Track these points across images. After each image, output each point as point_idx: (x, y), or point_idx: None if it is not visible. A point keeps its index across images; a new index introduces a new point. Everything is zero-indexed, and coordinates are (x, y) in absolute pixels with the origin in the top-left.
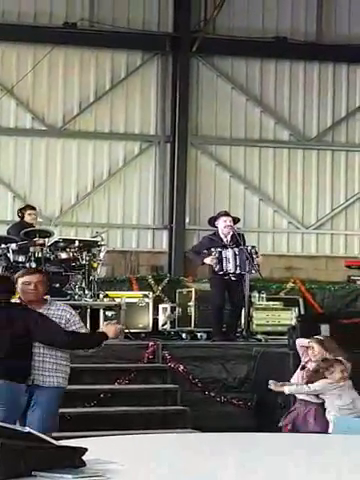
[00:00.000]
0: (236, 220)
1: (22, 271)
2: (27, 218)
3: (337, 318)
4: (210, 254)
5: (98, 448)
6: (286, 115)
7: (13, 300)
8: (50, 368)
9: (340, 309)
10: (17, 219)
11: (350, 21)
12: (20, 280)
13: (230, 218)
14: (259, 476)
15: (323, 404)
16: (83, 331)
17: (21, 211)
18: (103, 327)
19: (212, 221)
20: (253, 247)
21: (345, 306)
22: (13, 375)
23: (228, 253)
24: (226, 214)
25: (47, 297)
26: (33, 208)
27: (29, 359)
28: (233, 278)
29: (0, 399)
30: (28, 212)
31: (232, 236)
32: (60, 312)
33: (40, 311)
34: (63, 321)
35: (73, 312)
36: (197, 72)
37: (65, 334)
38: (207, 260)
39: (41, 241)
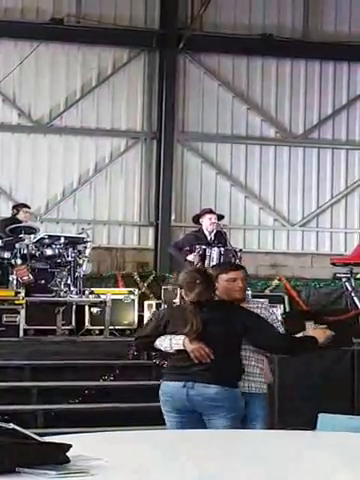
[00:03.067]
0: (220, 217)
1: (222, 267)
2: (21, 215)
3: (322, 315)
4: (193, 251)
5: (82, 444)
6: (272, 112)
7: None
8: (256, 373)
9: (325, 306)
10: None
11: (337, 18)
12: (224, 276)
13: (215, 216)
14: (243, 472)
15: None
16: (282, 331)
17: (16, 208)
18: (310, 331)
19: (196, 218)
20: (240, 250)
21: (330, 303)
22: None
23: (213, 252)
24: (211, 212)
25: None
26: (28, 207)
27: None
28: None
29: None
30: (24, 210)
31: (216, 234)
32: (259, 310)
33: None
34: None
35: (272, 310)
36: (184, 69)
37: (283, 338)
38: (190, 257)
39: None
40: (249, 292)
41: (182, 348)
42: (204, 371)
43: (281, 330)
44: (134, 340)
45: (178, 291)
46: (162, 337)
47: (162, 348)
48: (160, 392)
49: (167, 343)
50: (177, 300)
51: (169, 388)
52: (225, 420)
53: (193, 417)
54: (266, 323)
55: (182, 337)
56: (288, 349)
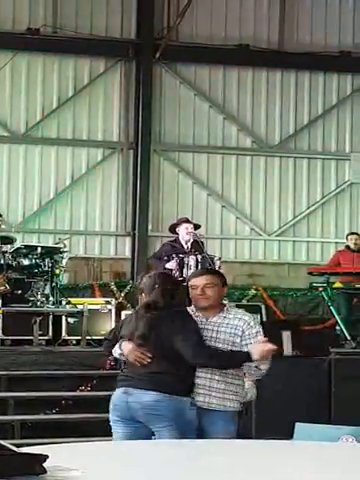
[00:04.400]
0: (197, 227)
1: (192, 273)
2: None
3: (299, 325)
4: (170, 260)
5: (59, 455)
6: (249, 122)
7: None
8: (221, 389)
9: (302, 316)
10: None
11: (312, 29)
12: (189, 283)
13: (191, 225)
14: None
15: None
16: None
17: None
18: (252, 346)
19: (173, 228)
20: (219, 259)
21: (307, 313)
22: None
23: (190, 260)
24: (187, 221)
25: (226, 303)
26: (0, 215)
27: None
28: None
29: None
30: None
31: (193, 243)
32: (237, 321)
33: (213, 319)
34: (239, 333)
35: (252, 323)
36: (160, 79)
37: (201, 349)
38: (168, 265)
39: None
40: (225, 301)
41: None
42: (143, 376)
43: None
44: (103, 344)
45: (142, 296)
46: (118, 343)
47: (117, 355)
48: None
49: (117, 349)
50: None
51: (114, 395)
52: (171, 433)
53: (141, 430)
54: (191, 332)
55: (125, 342)
56: (206, 360)
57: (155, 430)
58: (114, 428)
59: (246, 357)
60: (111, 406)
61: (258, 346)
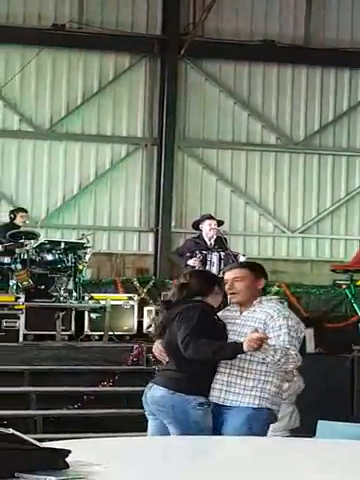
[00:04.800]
0: (220, 223)
1: (226, 267)
2: (18, 220)
3: (322, 322)
4: (193, 256)
5: (81, 450)
6: (273, 119)
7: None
8: (242, 385)
9: (325, 313)
10: (6, 220)
11: (338, 25)
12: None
13: (215, 221)
14: (244, 478)
15: None
16: (287, 346)
17: (13, 213)
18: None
19: (196, 224)
20: (244, 255)
21: (330, 310)
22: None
23: (213, 256)
24: (211, 217)
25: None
26: (25, 211)
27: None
28: None
29: None
30: (20, 214)
31: (216, 239)
32: (261, 314)
33: (244, 314)
34: (262, 326)
35: (276, 315)
36: (185, 75)
37: (188, 339)
38: (190, 261)
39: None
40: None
41: None
42: (160, 373)
43: (287, 345)
44: None
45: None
46: None
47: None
48: None
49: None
50: None
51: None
52: (175, 430)
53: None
54: (188, 325)
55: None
56: (194, 351)
57: (167, 425)
58: (149, 422)
59: (237, 348)
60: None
61: (248, 336)
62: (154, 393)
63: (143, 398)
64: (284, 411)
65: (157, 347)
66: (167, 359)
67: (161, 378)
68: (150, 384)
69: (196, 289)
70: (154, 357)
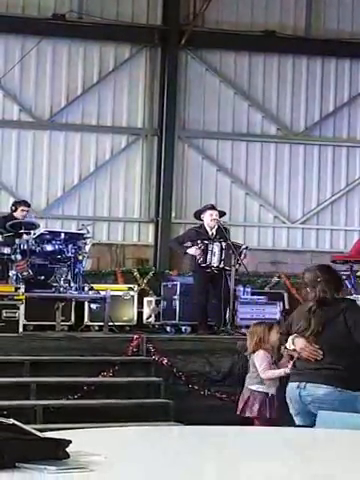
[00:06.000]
0: (222, 214)
1: None
2: (18, 213)
3: None
4: (194, 245)
5: (82, 440)
6: (274, 109)
7: None
8: None
9: None
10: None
11: (339, 16)
12: None
13: (216, 212)
14: (243, 469)
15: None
16: None
17: (15, 205)
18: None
19: (198, 214)
20: (246, 247)
21: None
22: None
23: (215, 246)
24: (212, 208)
25: None
26: (28, 205)
27: None
28: (216, 271)
29: None
30: (21, 208)
31: (217, 230)
32: None
33: None
34: None
35: None
36: (185, 65)
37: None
38: (191, 250)
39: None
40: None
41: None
42: (316, 371)
43: None
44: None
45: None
46: (290, 337)
47: (289, 347)
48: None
49: (289, 343)
50: (176, 297)
51: (288, 390)
52: None
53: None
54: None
55: (296, 337)
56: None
57: None
58: (297, 421)
59: None
60: (287, 400)
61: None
62: (314, 391)
63: (292, 397)
64: None
65: (306, 345)
66: (320, 356)
67: (319, 376)
68: (300, 383)
69: (336, 284)
70: (297, 356)
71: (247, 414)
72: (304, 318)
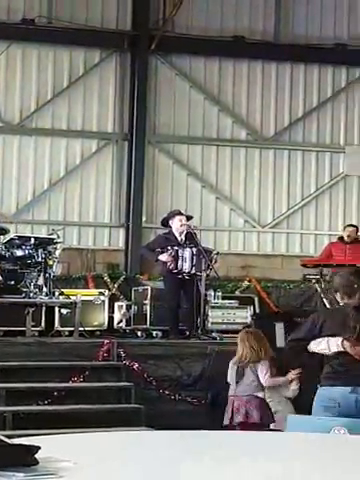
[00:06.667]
0: (189, 218)
1: None
2: None
3: (292, 317)
4: (164, 252)
5: (51, 446)
6: (244, 114)
7: None
8: None
9: (295, 308)
10: None
11: (308, 21)
12: None
13: (184, 217)
14: (215, 473)
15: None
16: None
17: None
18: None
19: (165, 221)
20: (217, 253)
21: (300, 305)
22: None
23: (185, 253)
24: (180, 213)
25: None
26: None
27: None
28: (187, 277)
29: None
30: None
31: (186, 235)
32: None
33: None
34: None
35: None
36: (155, 70)
37: None
38: (162, 257)
39: None
40: None
41: (341, 350)
42: None
43: None
44: (288, 341)
45: (337, 295)
46: (318, 340)
47: (317, 350)
48: (319, 398)
49: (324, 345)
50: (147, 301)
51: (336, 394)
52: None
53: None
54: None
55: (339, 339)
56: None
57: None
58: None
59: None
60: (329, 404)
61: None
62: None
63: (342, 401)
64: None
65: (355, 348)
66: None
67: None
68: (354, 387)
69: None
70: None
71: (240, 420)
72: (343, 322)
